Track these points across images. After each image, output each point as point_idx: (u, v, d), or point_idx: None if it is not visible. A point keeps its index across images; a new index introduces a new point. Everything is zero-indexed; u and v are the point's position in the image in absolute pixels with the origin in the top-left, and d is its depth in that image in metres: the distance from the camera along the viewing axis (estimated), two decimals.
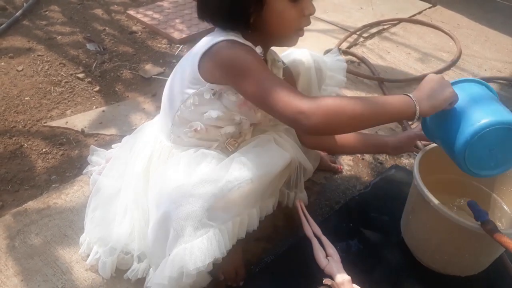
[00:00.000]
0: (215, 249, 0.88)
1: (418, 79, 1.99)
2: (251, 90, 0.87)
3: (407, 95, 0.87)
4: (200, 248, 0.87)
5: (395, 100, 0.87)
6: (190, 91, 0.97)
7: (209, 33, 0.99)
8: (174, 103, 1.02)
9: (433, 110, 0.88)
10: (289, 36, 0.98)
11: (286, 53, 1.21)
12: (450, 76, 2.07)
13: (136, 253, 1.07)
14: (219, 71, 0.92)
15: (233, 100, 0.97)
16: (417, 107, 0.85)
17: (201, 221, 0.88)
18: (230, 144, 1.07)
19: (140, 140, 1.16)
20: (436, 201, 0.98)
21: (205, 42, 0.95)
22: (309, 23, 0.97)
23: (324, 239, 1.15)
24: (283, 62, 1.11)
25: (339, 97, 0.92)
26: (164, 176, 0.95)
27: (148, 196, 1.04)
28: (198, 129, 1.01)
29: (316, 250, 1.10)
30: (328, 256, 1.05)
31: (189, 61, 0.98)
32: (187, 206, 0.87)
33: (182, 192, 0.88)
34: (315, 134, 0.94)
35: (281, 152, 1.05)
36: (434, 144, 1.15)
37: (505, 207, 1.15)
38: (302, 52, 1.19)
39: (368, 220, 1.29)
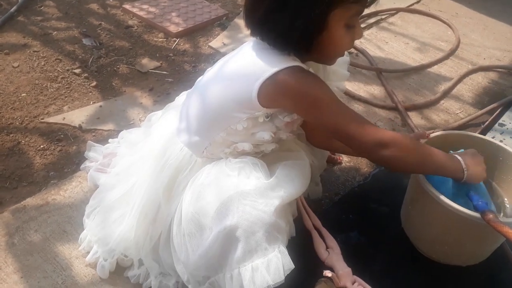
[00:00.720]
0: (288, 261, 0.87)
1: (416, 69, 1.98)
2: (327, 120, 0.90)
3: (460, 161, 0.97)
4: (276, 262, 0.85)
5: (450, 163, 0.97)
6: (243, 115, 0.92)
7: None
8: (216, 125, 0.96)
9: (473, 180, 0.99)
10: (335, 59, 0.99)
11: None
12: (449, 65, 2.06)
13: (136, 258, 1.06)
14: (287, 100, 0.89)
15: (287, 120, 0.96)
16: (465, 173, 0.96)
17: (272, 234, 0.86)
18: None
19: (146, 144, 1.12)
20: (435, 191, 0.98)
21: (262, 67, 0.88)
22: (353, 46, 1.02)
23: (324, 231, 1.15)
24: None
25: (416, 141, 0.99)
26: (221, 186, 0.91)
27: (168, 210, 1.00)
28: (247, 149, 0.98)
29: (316, 243, 1.10)
30: (328, 248, 1.05)
31: (238, 84, 0.92)
32: (258, 219, 0.85)
33: (250, 203, 0.86)
34: (386, 165, 0.94)
35: (304, 162, 1.05)
36: (434, 134, 1.15)
37: (505, 198, 1.14)
38: None
39: (368, 211, 1.29)
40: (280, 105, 0.91)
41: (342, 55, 0.99)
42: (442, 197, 0.97)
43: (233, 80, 0.94)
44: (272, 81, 0.86)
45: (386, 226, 1.24)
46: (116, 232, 1.06)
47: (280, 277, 0.84)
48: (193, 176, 0.99)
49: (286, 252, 0.88)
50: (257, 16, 0.88)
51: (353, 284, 0.96)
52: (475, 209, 0.94)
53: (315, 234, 1.14)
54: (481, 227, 0.93)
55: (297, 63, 0.89)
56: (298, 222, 1.09)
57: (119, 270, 1.09)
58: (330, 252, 1.04)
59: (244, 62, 0.93)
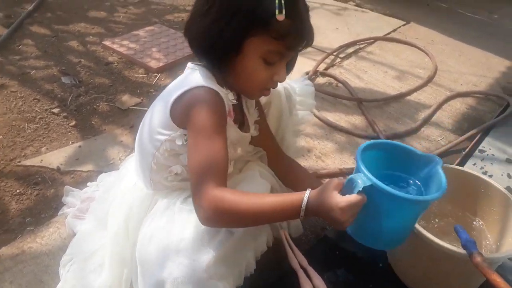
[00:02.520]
0: None
1: (396, 98, 2.01)
2: (191, 149, 0.86)
3: (304, 200, 0.80)
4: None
5: (286, 207, 0.82)
6: (162, 137, 0.94)
7: (187, 60, 0.97)
8: (147, 150, 0.99)
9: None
10: (252, 92, 0.98)
11: None
12: (428, 92, 2.09)
13: None
14: (185, 117, 0.89)
15: None
16: (302, 214, 0.81)
17: (207, 285, 0.85)
18: None
19: (119, 187, 1.12)
20: (420, 228, 0.97)
21: (178, 85, 0.93)
22: (275, 86, 0.97)
23: (310, 270, 1.12)
24: None
25: (240, 196, 0.83)
26: (160, 238, 0.90)
27: (135, 251, 0.97)
28: (179, 172, 0.97)
29: (302, 283, 1.08)
30: None
31: (160, 106, 0.95)
32: (189, 274, 0.84)
33: (184, 257, 0.86)
34: (208, 226, 0.87)
35: (261, 182, 1.04)
36: None
37: (486, 231, 1.14)
38: None
39: (354, 246, 1.27)
40: (184, 122, 0.90)
41: (261, 91, 0.96)
42: (428, 234, 0.96)
43: (159, 101, 0.97)
44: (180, 98, 0.89)
45: (374, 262, 1.22)
46: (95, 283, 1.01)
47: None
48: (147, 215, 1.00)
49: None
50: (188, 20, 0.92)
51: None
52: (463, 248, 0.93)
53: (301, 274, 1.11)
54: (469, 263, 0.91)
55: (208, 82, 0.89)
56: (282, 262, 1.07)
57: None
58: None
59: (171, 84, 0.97)
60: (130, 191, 1.06)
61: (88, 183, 1.35)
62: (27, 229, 1.28)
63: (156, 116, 0.96)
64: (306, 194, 0.80)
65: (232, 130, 0.99)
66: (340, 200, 0.76)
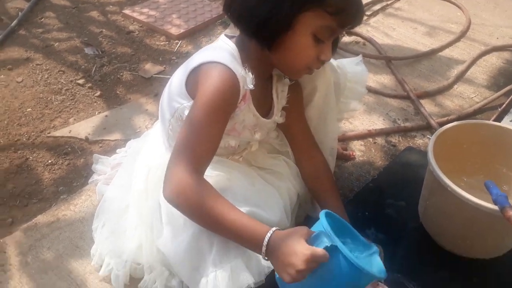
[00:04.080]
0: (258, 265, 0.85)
1: (427, 55, 1.92)
2: (185, 122, 0.86)
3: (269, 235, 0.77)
4: (246, 267, 0.84)
5: (248, 239, 0.80)
6: (176, 105, 0.93)
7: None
8: (165, 116, 0.99)
9: (276, 271, 0.78)
10: (298, 71, 0.94)
11: None
12: (461, 48, 1.99)
13: (146, 265, 1.04)
14: (196, 89, 0.87)
15: None
16: (263, 255, 0.78)
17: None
18: (233, 160, 1.04)
19: (143, 152, 1.12)
20: (454, 186, 0.94)
21: (201, 55, 0.91)
22: (319, 66, 0.93)
23: None
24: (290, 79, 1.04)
25: (208, 193, 0.81)
26: None
27: (154, 212, 0.99)
28: None
29: None
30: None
31: (180, 73, 0.94)
32: None
33: None
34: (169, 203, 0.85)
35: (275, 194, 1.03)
36: (448, 125, 1.10)
37: None
38: None
39: (384, 207, 1.25)
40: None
41: (306, 70, 0.92)
42: (461, 191, 0.92)
43: (181, 68, 0.97)
44: (197, 69, 0.88)
45: (404, 222, 1.20)
46: (126, 243, 1.04)
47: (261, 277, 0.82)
48: None
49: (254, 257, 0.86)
50: None
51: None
52: (494, 203, 0.89)
53: None
54: (503, 220, 0.88)
55: (229, 59, 0.86)
56: None
57: (133, 282, 1.07)
58: None
59: (197, 53, 0.95)
60: (151, 154, 1.07)
61: (117, 150, 1.36)
62: (61, 198, 1.32)
63: (174, 83, 0.95)
64: (271, 231, 0.77)
65: (249, 115, 0.96)
66: (307, 248, 0.73)
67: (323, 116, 1.12)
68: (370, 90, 1.71)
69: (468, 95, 1.72)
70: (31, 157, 1.45)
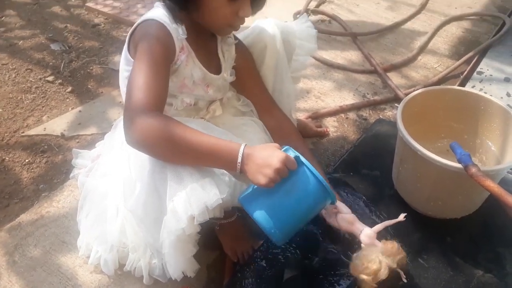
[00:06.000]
0: (224, 185, 0.86)
1: (390, 28, 1.98)
2: (132, 73, 0.87)
3: (241, 148, 0.82)
4: (212, 184, 0.84)
5: (222, 152, 0.82)
6: (126, 73, 0.96)
7: None
8: (123, 90, 1.02)
9: (251, 178, 0.82)
10: (220, 29, 0.99)
11: (253, 26, 1.19)
12: (422, 20, 2.05)
13: (131, 245, 1.07)
14: (136, 48, 0.90)
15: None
16: (238, 167, 0.81)
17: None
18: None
19: (117, 138, 1.13)
20: (422, 149, 0.99)
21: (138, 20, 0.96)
22: (242, 22, 0.97)
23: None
24: (235, 38, 1.11)
25: (173, 122, 0.83)
26: None
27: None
28: None
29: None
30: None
31: (125, 45, 0.98)
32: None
33: None
34: (133, 147, 0.85)
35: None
36: (414, 93, 1.15)
37: (488, 142, 1.16)
38: (268, 23, 1.16)
39: (361, 178, 1.30)
40: None
41: (227, 27, 0.98)
42: (430, 154, 0.98)
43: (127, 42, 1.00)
44: (134, 31, 0.93)
45: (380, 190, 1.26)
46: (110, 228, 1.06)
47: (216, 196, 0.82)
48: None
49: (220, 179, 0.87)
50: None
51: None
52: (459, 162, 0.95)
53: None
54: (469, 179, 0.94)
55: (161, 17, 0.91)
56: None
57: (124, 271, 1.10)
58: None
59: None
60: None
61: (96, 143, 1.36)
62: (43, 195, 1.31)
63: (123, 55, 0.99)
64: (243, 144, 0.82)
65: (196, 69, 1.01)
66: (282, 152, 0.82)
67: (279, 75, 1.19)
68: (339, 67, 1.76)
69: (431, 65, 1.79)
70: (7, 158, 1.43)
